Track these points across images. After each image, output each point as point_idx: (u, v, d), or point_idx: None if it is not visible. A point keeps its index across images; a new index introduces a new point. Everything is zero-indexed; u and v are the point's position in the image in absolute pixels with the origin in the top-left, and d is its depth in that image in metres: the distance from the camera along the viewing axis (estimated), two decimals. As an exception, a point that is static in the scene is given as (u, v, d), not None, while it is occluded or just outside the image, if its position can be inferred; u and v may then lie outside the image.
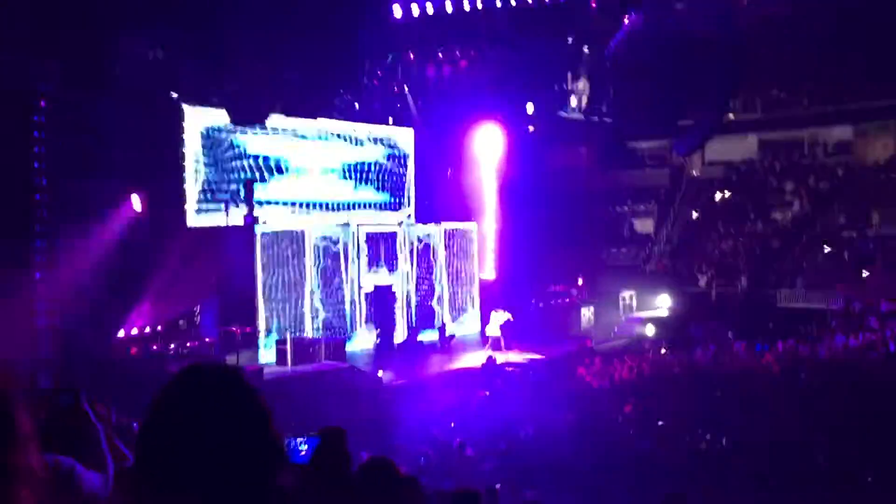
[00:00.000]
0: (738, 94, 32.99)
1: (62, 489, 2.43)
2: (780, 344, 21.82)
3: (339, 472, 2.40)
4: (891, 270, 25.58)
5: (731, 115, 33.47)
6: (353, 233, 24.52)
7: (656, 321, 27.70)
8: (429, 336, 25.19)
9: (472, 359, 22.85)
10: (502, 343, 23.72)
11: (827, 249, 29.43)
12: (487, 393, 19.54)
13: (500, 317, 24.09)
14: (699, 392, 17.53)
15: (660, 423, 15.44)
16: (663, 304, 29.33)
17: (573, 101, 30.40)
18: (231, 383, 1.57)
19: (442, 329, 25.38)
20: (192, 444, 1.48)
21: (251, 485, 1.51)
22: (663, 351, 23.52)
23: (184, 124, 22.41)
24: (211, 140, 22.99)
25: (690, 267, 31.46)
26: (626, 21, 27.10)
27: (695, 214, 35.03)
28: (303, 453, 2.35)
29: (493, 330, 23.96)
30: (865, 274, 26.62)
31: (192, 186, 22.61)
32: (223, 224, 22.71)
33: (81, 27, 17.28)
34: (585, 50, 29.13)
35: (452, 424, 16.51)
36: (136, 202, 20.02)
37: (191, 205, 22.49)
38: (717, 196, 35.29)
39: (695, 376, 19.31)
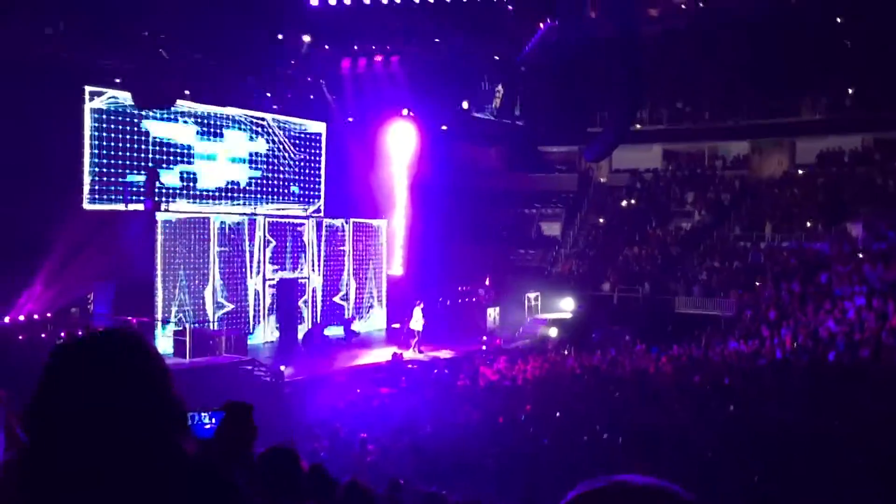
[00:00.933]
0: (644, 103, 33.98)
1: None
2: (676, 348, 22.56)
3: (243, 447, 2.31)
4: (781, 280, 26.79)
5: (638, 125, 34.44)
6: (260, 223, 23.99)
7: (560, 323, 28.21)
8: (334, 331, 24.90)
9: (378, 355, 22.71)
10: (420, 337, 23.57)
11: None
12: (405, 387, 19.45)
13: (419, 310, 23.91)
14: (598, 392, 17.93)
15: (557, 414, 15.74)
16: (567, 306, 29.90)
17: (489, 104, 30.69)
18: (127, 346, 1.51)
19: (347, 324, 25.14)
20: (88, 407, 1.41)
21: (152, 446, 1.44)
22: (566, 352, 23.95)
23: (83, 104, 21.48)
24: (112, 122, 22.10)
25: (595, 271, 32.19)
26: (540, 27, 27.52)
27: (601, 220, 35.90)
28: (208, 427, 2.25)
29: (417, 324, 23.75)
30: (757, 283, 27.80)
31: (89, 169, 21.69)
32: (122, 209, 21.87)
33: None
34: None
35: (359, 428, 16.33)
36: None
37: (87, 188, 21.58)
38: (623, 203, 36.28)
39: (594, 377, 19.74)
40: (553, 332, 27.33)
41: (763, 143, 35.38)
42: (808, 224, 30.80)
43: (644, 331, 25.53)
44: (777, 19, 29.60)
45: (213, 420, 2.20)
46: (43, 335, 19.27)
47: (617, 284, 30.80)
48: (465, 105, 28.36)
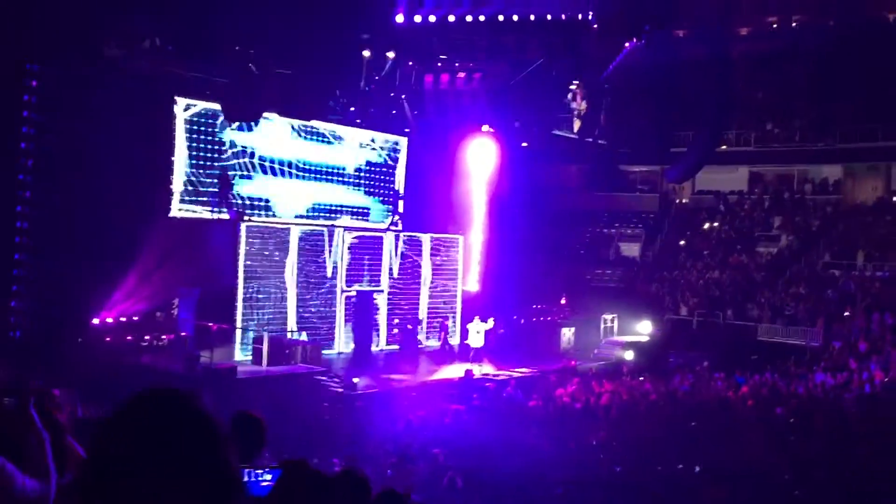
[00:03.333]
0: (731, 125, 33.14)
1: None
2: (758, 377, 21.81)
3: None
4: (872, 311, 25.65)
5: (723, 146, 33.61)
6: (339, 236, 24.33)
7: (636, 346, 27.64)
8: (407, 345, 24.97)
9: (450, 371, 22.69)
10: (475, 354, 23.57)
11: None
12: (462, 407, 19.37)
13: (478, 326, 23.88)
14: (675, 420, 17.46)
15: (631, 440, 15.38)
16: (644, 329, 29.28)
17: (571, 122, 30.44)
18: (182, 411, 1.49)
19: (443, 336, 25.13)
20: (140, 473, 1.40)
21: None
22: (641, 378, 23.43)
23: (175, 115, 22.24)
24: (201, 132, 22.81)
25: (674, 294, 31.48)
26: (626, 46, 27.16)
27: (682, 242, 35.11)
28: (265, 485, 2.26)
29: (475, 340, 23.76)
30: (846, 313, 26.69)
31: (179, 177, 22.42)
32: (208, 217, 22.50)
33: (75, 7, 17.04)
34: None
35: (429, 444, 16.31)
36: None
37: (176, 196, 22.29)
38: (705, 225, 35.41)
39: (671, 404, 19.24)
40: (629, 354, 26.80)
41: (857, 168, 34.02)
42: (903, 253, 29.43)
43: (724, 358, 24.77)
44: (874, 37, 28.46)
45: (271, 477, 2.21)
46: (129, 338, 19.97)
47: (696, 309, 30.03)
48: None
